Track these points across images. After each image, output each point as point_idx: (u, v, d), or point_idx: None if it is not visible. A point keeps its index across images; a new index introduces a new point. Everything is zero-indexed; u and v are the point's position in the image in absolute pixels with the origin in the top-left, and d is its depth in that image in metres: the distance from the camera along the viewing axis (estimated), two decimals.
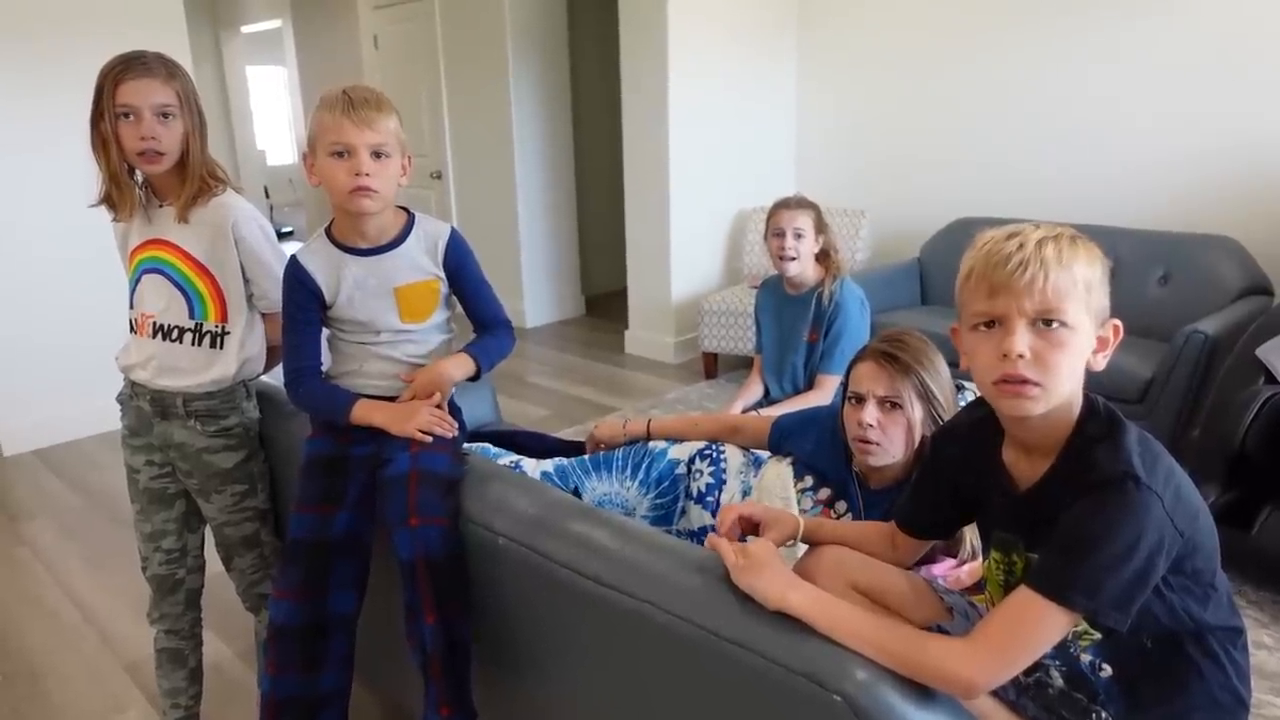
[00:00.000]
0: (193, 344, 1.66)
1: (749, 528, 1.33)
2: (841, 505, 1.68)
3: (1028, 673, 1.11)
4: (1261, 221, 3.47)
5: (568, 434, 3.34)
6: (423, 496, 1.39)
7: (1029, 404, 0.99)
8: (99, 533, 2.98)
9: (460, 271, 1.58)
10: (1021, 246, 0.98)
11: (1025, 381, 0.98)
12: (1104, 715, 1.11)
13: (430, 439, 1.48)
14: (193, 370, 1.67)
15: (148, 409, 1.69)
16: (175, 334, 1.66)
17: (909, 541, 1.30)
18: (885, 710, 0.93)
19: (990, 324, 1.01)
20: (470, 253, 1.60)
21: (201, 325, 1.66)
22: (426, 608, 1.36)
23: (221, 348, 1.68)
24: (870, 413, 1.55)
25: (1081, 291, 0.98)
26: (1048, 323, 0.98)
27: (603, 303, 6.02)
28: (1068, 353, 0.98)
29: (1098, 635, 1.11)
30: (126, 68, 1.52)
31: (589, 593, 1.20)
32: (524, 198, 5.44)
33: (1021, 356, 0.97)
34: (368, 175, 1.42)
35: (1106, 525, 0.95)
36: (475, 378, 1.58)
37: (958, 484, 1.21)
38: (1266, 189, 3.48)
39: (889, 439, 1.55)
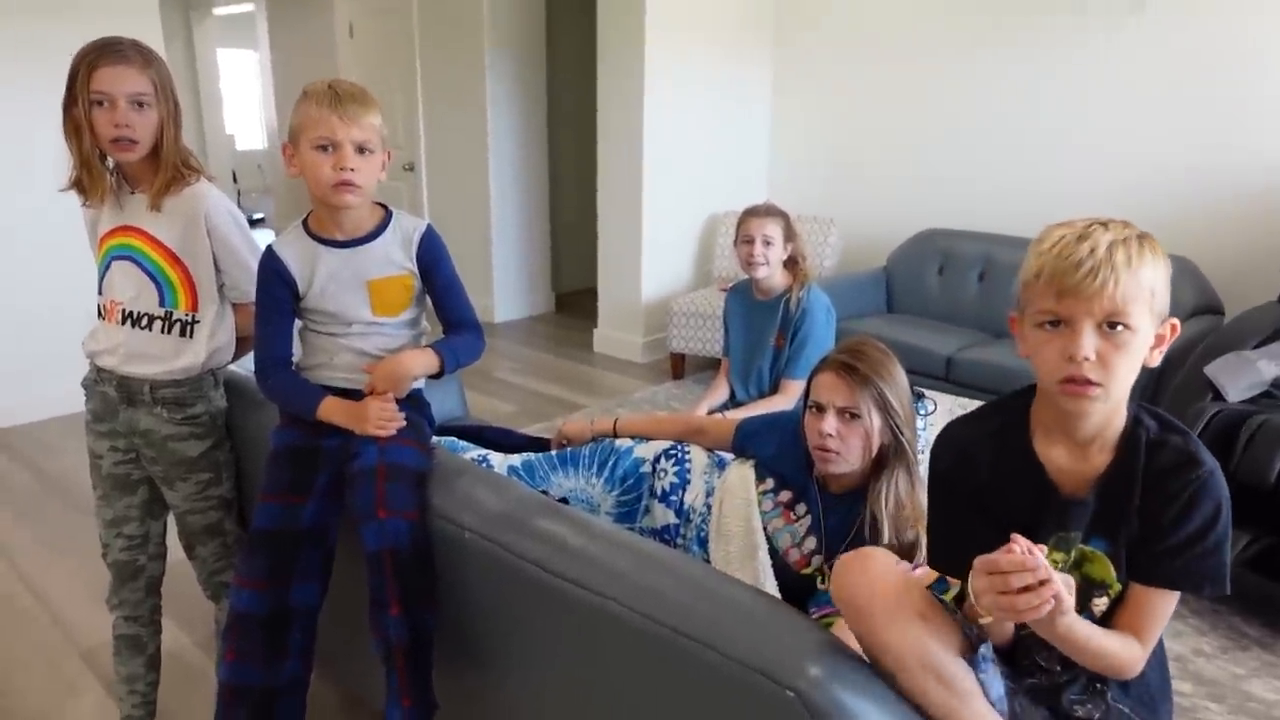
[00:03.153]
0: (162, 332, 1.66)
1: None
2: (801, 508, 1.72)
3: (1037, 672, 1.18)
4: (1215, 242, 3.58)
5: (535, 431, 3.35)
6: (391, 490, 1.41)
7: (1090, 403, 1.05)
8: (54, 517, 2.94)
9: (433, 268, 1.59)
10: (1093, 251, 1.01)
11: (1089, 383, 1.03)
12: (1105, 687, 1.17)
13: (394, 433, 1.49)
14: (161, 358, 1.67)
15: (114, 395, 1.69)
16: (145, 321, 1.65)
17: None
18: (837, 707, 0.96)
19: (1055, 323, 1.05)
20: (444, 250, 1.61)
21: (171, 314, 1.66)
22: (391, 599, 1.37)
23: (191, 336, 1.68)
24: (830, 423, 1.59)
25: (1147, 295, 1.02)
26: (1112, 325, 1.02)
27: (572, 301, 6.03)
28: (1129, 355, 1.03)
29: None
30: (101, 54, 1.51)
31: (552, 588, 1.23)
32: (497, 193, 5.43)
33: (1088, 359, 1.02)
34: (351, 170, 1.44)
35: (1214, 518, 1.06)
36: (439, 375, 1.58)
37: (985, 503, 1.18)
38: (1221, 210, 3.59)
39: (848, 448, 1.59)
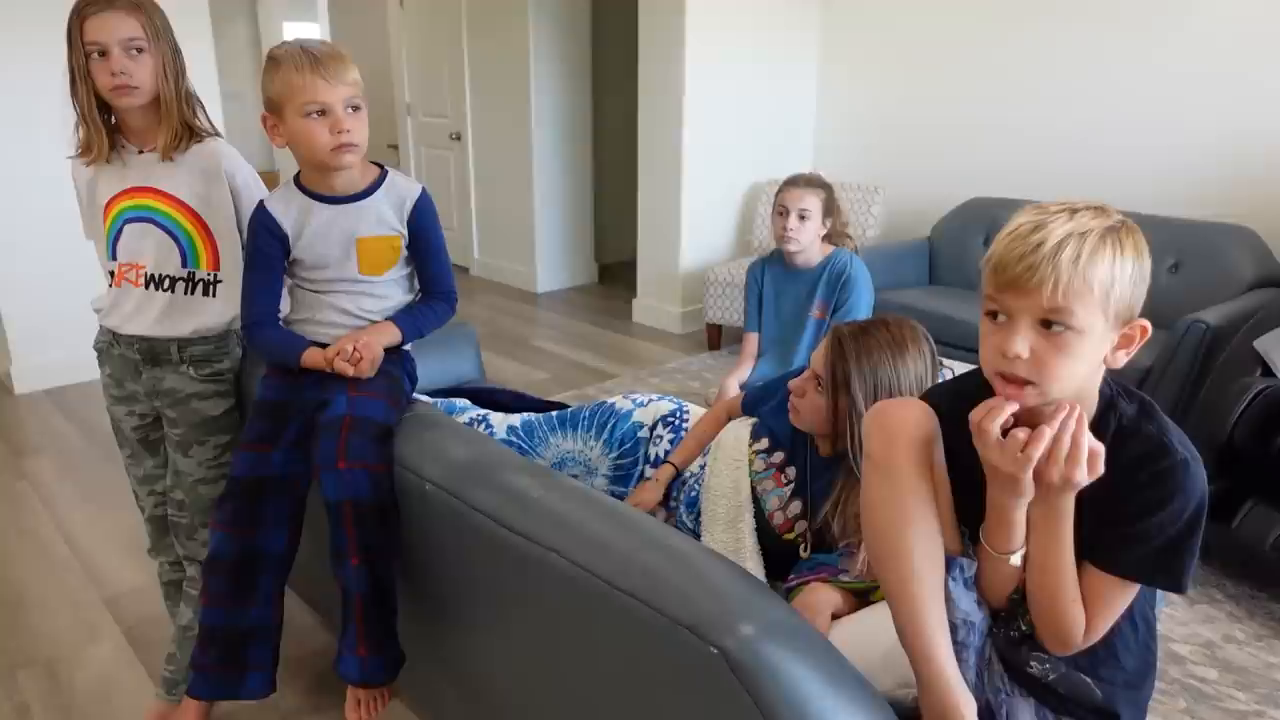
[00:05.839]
0: (186, 293, 1.66)
1: None
2: (792, 471, 1.67)
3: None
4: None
5: (565, 398, 3.35)
6: (353, 441, 1.41)
7: (1023, 398, 0.98)
8: (97, 471, 3.05)
9: (421, 233, 1.60)
10: (1039, 246, 0.93)
11: (1020, 380, 0.97)
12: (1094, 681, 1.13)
13: (366, 372, 1.50)
14: (185, 319, 1.67)
15: (134, 356, 1.70)
16: (167, 284, 1.65)
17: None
18: (763, 666, 0.92)
19: (997, 314, 0.98)
20: (435, 217, 1.62)
21: (194, 274, 1.66)
22: (351, 549, 1.38)
23: (214, 295, 1.68)
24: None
25: (1097, 295, 0.93)
26: (1052, 324, 0.94)
27: (616, 272, 6.01)
28: (1068, 356, 0.95)
29: None
30: (88, 4, 1.51)
31: (502, 540, 1.21)
32: (541, 163, 5.42)
33: (1019, 357, 0.95)
34: (348, 131, 1.44)
35: (1182, 510, 1.00)
36: (400, 345, 1.61)
37: (952, 467, 1.13)
38: None
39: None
